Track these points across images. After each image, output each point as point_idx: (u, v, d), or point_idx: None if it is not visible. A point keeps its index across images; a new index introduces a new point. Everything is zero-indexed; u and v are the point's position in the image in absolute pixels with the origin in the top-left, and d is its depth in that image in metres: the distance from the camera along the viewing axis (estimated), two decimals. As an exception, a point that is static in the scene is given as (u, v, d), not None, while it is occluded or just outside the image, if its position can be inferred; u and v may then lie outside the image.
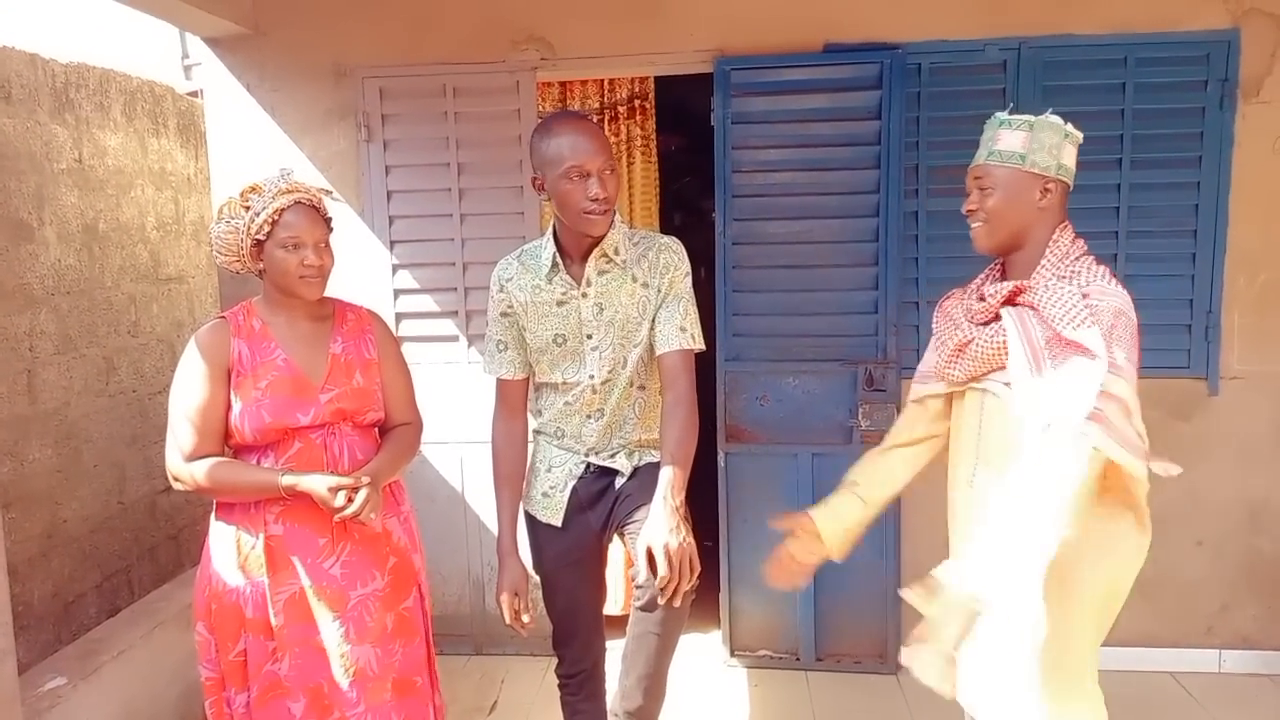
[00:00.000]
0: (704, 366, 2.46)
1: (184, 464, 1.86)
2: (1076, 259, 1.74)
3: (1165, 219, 3.00)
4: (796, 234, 3.08)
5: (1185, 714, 2.90)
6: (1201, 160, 2.96)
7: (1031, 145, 1.74)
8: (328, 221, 1.96)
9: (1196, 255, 2.99)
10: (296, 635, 1.87)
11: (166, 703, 2.65)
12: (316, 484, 1.81)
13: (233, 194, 1.93)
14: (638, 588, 1.82)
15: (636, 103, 3.47)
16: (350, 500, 1.81)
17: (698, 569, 1.74)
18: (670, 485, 1.80)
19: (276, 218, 1.86)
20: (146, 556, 3.64)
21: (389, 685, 1.93)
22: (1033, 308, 1.70)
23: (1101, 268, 1.73)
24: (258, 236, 1.86)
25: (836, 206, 3.06)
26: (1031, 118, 1.76)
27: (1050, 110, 1.81)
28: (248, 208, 1.87)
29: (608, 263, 1.98)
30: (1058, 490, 1.58)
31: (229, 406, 1.88)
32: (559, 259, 1.98)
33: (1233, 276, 3.00)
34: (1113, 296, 1.65)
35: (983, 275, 1.91)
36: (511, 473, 2.10)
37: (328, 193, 2.00)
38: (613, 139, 3.47)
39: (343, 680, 1.88)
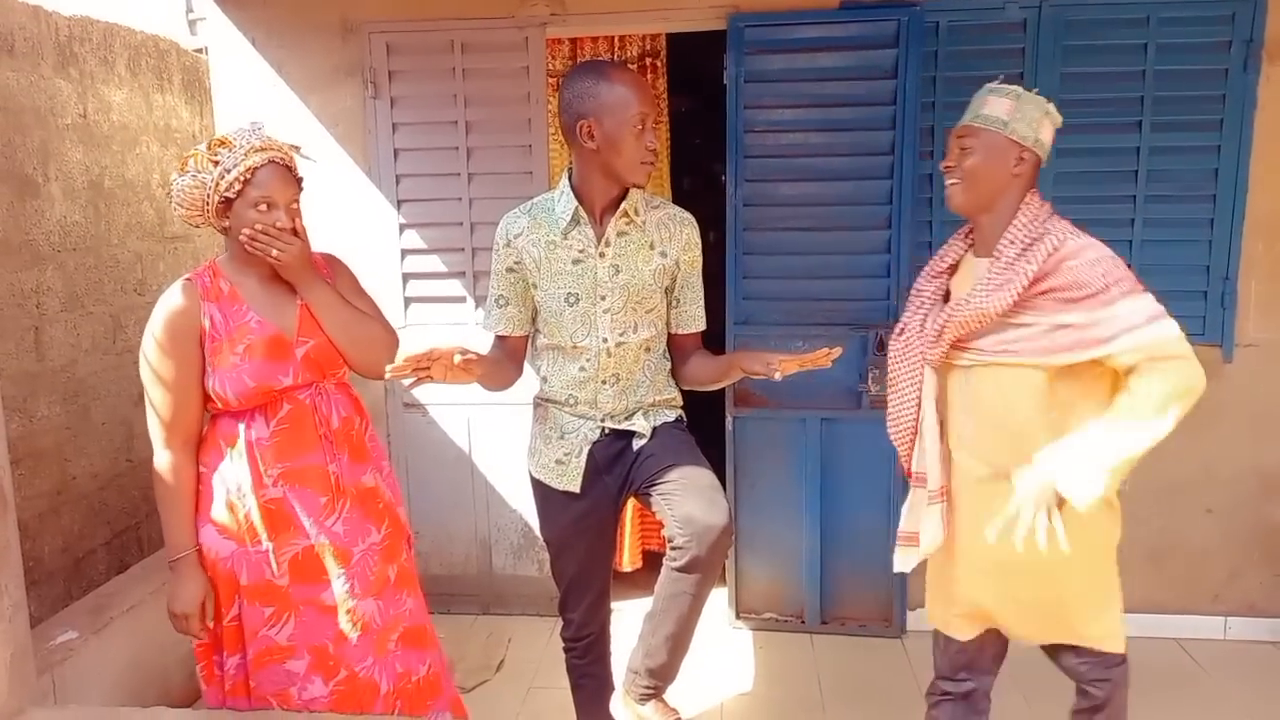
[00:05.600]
0: (713, 330, 2.44)
1: (162, 447, 1.85)
2: (1044, 221, 1.84)
3: (1184, 183, 2.95)
4: (809, 196, 3.05)
5: (1190, 680, 2.91)
6: (1223, 124, 2.90)
7: (1015, 114, 1.84)
8: (299, 181, 1.87)
9: (1215, 221, 2.95)
10: (303, 594, 1.87)
11: (175, 656, 2.67)
12: (194, 589, 1.85)
13: (197, 146, 1.83)
14: (674, 549, 1.82)
15: (648, 61, 3.41)
16: None
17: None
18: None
19: (249, 176, 1.77)
20: (155, 514, 3.58)
21: (394, 637, 1.94)
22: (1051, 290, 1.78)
23: (1065, 222, 1.84)
24: (227, 194, 1.77)
25: (850, 168, 3.02)
26: (1019, 89, 1.87)
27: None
28: (216, 162, 1.77)
29: (628, 223, 1.95)
30: (1177, 401, 1.73)
31: (204, 373, 1.84)
32: (582, 213, 1.94)
33: (1251, 243, 2.96)
34: (1091, 248, 1.77)
35: (955, 238, 2.03)
36: (495, 357, 2.02)
37: (297, 149, 1.91)
38: (623, 98, 3.42)
39: (351, 635, 1.88)
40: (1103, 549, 1.94)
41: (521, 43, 3.09)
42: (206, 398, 1.85)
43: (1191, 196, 2.95)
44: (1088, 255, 1.76)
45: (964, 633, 2.02)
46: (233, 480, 1.85)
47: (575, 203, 1.93)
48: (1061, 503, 1.77)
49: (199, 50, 4.05)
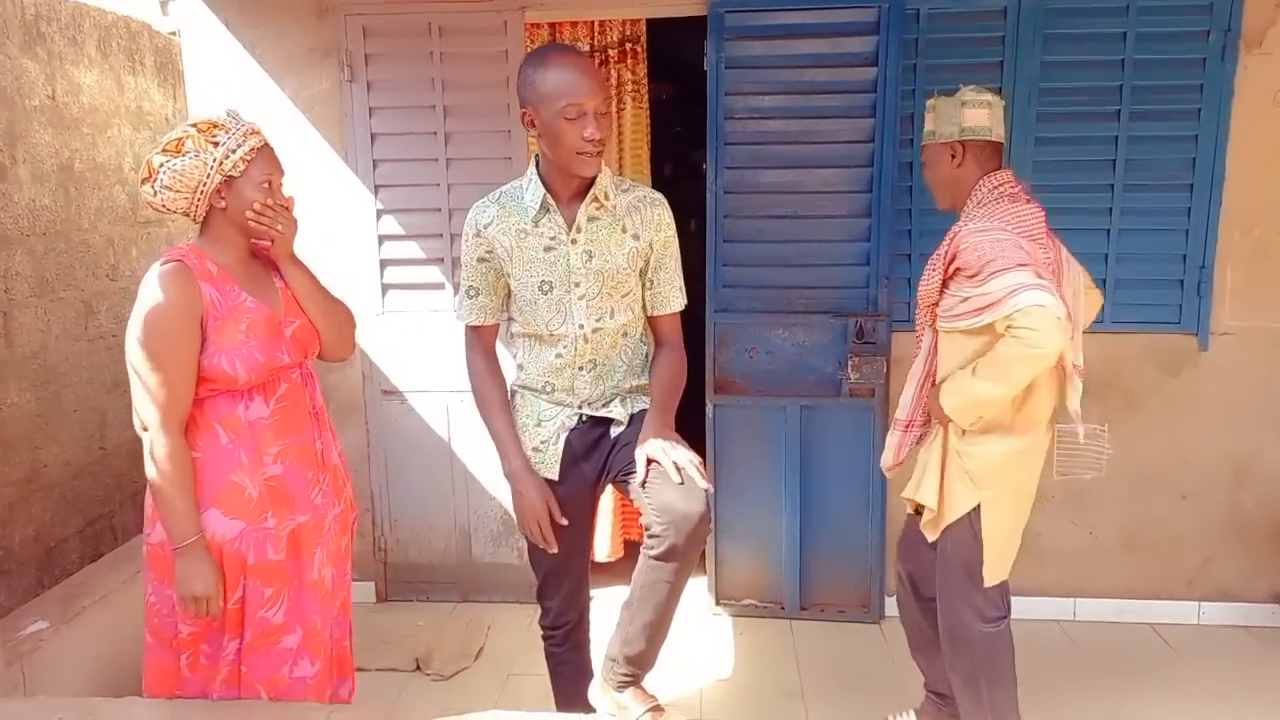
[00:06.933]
0: (693, 318, 2.43)
1: (160, 431, 1.79)
2: (989, 203, 2.12)
3: (1162, 172, 2.96)
4: (789, 183, 3.04)
5: (1164, 664, 2.94)
6: (1200, 113, 2.92)
7: (936, 122, 2.18)
8: None
9: (1192, 210, 2.97)
10: (295, 570, 1.92)
11: (150, 647, 2.65)
12: (211, 569, 1.81)
13: (185, 128, 1.83)
14: (651, 537, 1.81)
15: (628, 46, 3.38)
16: None
17: (699, 460, 1.83)
18: (661, 408, 1.93)
19: (253, 156, 1.83)
20: (129, 502, 3.61)
21: (338, 603, 2.06)
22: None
23: (999, 206, 2.10)
24: (231, 173, 1.81)
25: (830, 155, 3.01)
26: (935, 100, 2.20)
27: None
28: (216, 143, 1.81)
29: (598, 208, 1.92)
30: (1019, 363, 1.99)
31: (200, 353, 1.82)
32: (549, 200, 1.92)
33: (1227, 231, 2.98)
34: (980, 232, 2.05)
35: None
36: (500, 398, 2.05)
37: None
38: (603, 83, 3.39)
39: (327, 604, 1.99)
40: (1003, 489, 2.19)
41: (500, 26, 3.06)
42: (204, 379, 1.83)
43: (1169, 185, 2.97)
44: (972, 240, 2.05)
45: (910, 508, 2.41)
46: (233, 459, 1.85)
47: (543, 190, 1.91)
48: (945, 417, 2.16)
49: (172, 32, 3.99)
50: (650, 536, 1.81)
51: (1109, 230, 2.98)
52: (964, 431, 2.16)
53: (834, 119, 2.99)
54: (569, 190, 1.92)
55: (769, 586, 3.28)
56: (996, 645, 2.24)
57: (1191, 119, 2.92)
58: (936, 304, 2.22)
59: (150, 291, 1.78)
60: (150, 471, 1.81)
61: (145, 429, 1.82)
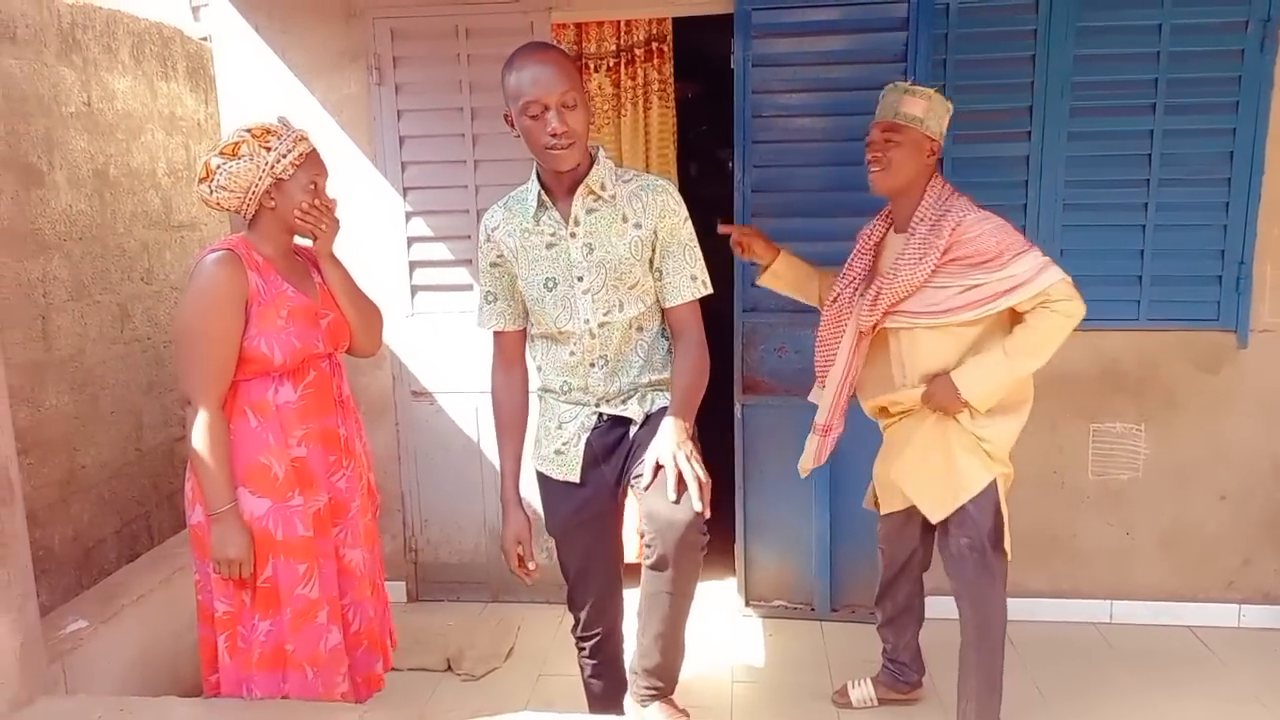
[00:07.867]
0: (722, 317, 2.42)
1: (202, 404, 1.91)
2: (947, 199, 2.22)
3: (1198, 167, 2.91)
4: (817, 181, 3.01)
5: (1203, 668, 2.89)
6: (1239, 105, 2.86)
7: (929, 113, 2.22)
8: None
9: (1230, 205, 2.91)
10: (321, 547, 2.03)
11: (186, 645, 2.68)
12: (244, 534, 1.93)
13: (240, 133, 1.97)
14: (646, 546, 1.79)
15: (654, 45, 3.38)
16: None
17: (707, 481, 1.76)
18: (679, 409, 1.87)
19: (301, 160, 1.97)
20: (165, 503, 3.66)
21: (369, 584, 2.19)
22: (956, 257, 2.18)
23: (965, 199, 2.22)
24: (281, 176, 1.96)
25: (859, 153, 2.92)
26: (930, 91, 2.24)
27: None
28: (269, 148, 1.95)
29: (596, 200, 1.90)
30: (1060, 332, 2.14)
31: (242, 335, 1.95)
32: (545, 197, 1.92)
33: (1266, 227, 2.91)
34: (985, 220, 2.16)
35: (878, 219, 2.41)
36: (513, 422, 2.09)
37: None
38: (629, 83, 3.39)
39: (349, 582, 2.13)
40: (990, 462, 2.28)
41: (527, 27, 3.06)
42: (244, 360, 1.95)
43: (1206, 180, 2.91)
44: (983, 227, 2.14)
45: (888, 506, 2.50)
46: (261, 441, 1.96)
47: (539, 187, 1.92)
48: (964, 405, 2.22)
49: (203, 38, 4.04)
50: (645, 545, 1.80)
51: (1144, 226, 2.93)
52: (971, 415, 2.25)
53: (863, 116, 2.91)
54: (562, 185, 1.91)
55: (799, 588, 3.26)
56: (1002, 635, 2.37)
57: (1229, 111, 2.86)
58: (901, 301, 2.22)
59: (201, 275, 1.93)
60: (190, 442, 1.93)
61: (188, 403, 1.94)
